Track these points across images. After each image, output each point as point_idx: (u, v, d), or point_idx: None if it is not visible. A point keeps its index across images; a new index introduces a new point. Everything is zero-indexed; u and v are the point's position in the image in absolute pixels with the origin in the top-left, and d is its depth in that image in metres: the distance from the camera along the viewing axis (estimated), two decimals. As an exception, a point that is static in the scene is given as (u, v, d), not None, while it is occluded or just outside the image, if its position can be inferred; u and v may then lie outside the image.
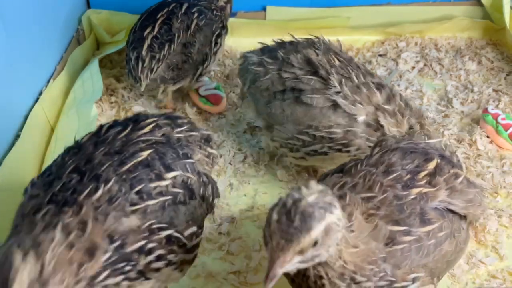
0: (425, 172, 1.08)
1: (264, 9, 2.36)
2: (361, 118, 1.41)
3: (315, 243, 0.85)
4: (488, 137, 1.82)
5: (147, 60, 1.75)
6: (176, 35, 1.80)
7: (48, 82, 1.89)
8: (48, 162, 1.66)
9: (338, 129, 1.42)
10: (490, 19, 2.36)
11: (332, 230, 0.87)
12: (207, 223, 1.52)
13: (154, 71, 1.76)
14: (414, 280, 1.02)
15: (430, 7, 2.39)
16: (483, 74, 2.15)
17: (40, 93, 1.81)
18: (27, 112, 1.69)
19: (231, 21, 2.36)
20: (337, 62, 1.49)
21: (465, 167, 1.69)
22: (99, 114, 1.91)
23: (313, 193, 0.87)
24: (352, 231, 0.96)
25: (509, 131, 1.76)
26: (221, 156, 1.76)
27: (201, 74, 1.91)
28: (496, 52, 2.27)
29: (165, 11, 1.86)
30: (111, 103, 2.00)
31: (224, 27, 2.00)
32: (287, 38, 1.67)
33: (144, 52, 1.75)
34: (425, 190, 1.05)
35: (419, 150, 1.15)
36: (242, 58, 1.72)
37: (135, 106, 1.97)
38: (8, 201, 1.46)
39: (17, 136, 1.60)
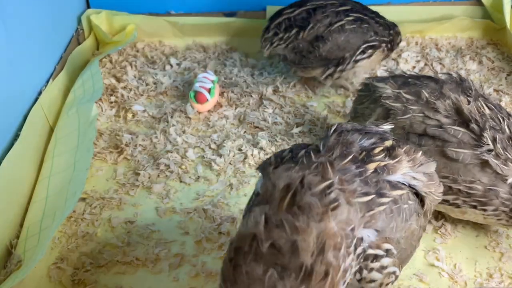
0: (381, 147, 1.05)
1: (264, 9, 2.36)
2: (511, 180, 1.29)
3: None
4: (488, 137, 1.81)
5: (271, 33, 1.97)
6: (311, 25, 1.89)
7: (48, 82, 1.89)
8: (47, 162, 1.66)
9: (480, 185, 1.30)
10: (491, 19, 2.35)
11: None
12: (207, 223, 1.52)
13: (273, 46, 1.96)
14: (387, 253, 0.98)
15: (431, 7, 2.39)
16: (484, 74, 2.15)
17: (40, 93, 1.80)
18: (26, 112, 1.69)
19: (229, 20, 2.37)
20: (487, 111, 1.35)
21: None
22: (99, 114, 1.91)
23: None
24: None
25: (509, 131, 1.75)
26: (221, 156, 1.76)
27: (332, 75, 1.94)
28: (496, 52, 2.27)
29: (319, 2, 1.95)
30: (111, 103, 2.00)
31: (387, 46, 1.98)
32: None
33: (272, 25, 1.97)
34: (383, 163, 1.01)
35: (373, 131, 1.11)
36: (365, 85, 1.59)
37: (135, 106, 1.97)
38: (7, 200, 1.47)
39: (17, 136, 1.60)
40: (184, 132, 1.86)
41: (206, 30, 2.35)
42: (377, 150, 1.04)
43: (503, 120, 1.34)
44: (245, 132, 1.87)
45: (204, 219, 1.53)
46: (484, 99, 1.40)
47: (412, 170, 1.05)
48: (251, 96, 2.03)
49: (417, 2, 2.40)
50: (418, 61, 2.22)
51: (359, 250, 0.94)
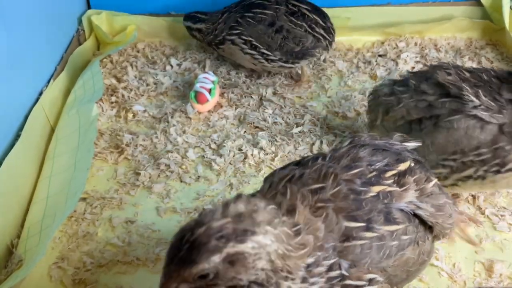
0: (394, 172, 1.01)
1: (264, 10, 2.36)
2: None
3: (204, 276, 0.79)
4: (487, 137, 1.81)
5: None
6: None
7: (49, 82, 1.89)
8: (48, 162, 1.67)
9: (485, 148, 1.29)
10: (490, 20, 2.36)
11: (245, 259, 0.79)
12: (207, 223, 1.53)
13: None
14: (370, 282, 0.94)
15: (430, 8, 2.39)
16: (483, 74, 2.15)
17: (41, 93, 1.81)
18: (27, 112, 1.69)
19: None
20: (467, 75, 1.37)
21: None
22: (100, 114, 1.92)
23: (225, 216, 0.80)
24: (298, 234, 0.87)
25: (508, 131, 1.76)
26: (221, 156, 1.76)
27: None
28: (495, 53, 2.27)
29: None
30: (112, 103, 2.00)
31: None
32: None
33: None
34: (389, 189, 0.98)
35: (392, 150, 1.08)
36: (372, 94, 1.63)
37: (135, 106, 1.97)
38: (8, 200, 1.47)
39: (18, 136, 1.60)
40: (184, 132, 1.87)
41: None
42: (388, 174, 1.01)
43: (484, 73, 1.37)
44: (245, 132, 1.87)
45: (204, 219, 1.54)
46: (465, 68, 1.43)
47: (418, 199, 1.02)
48: (251, 97, 2.04)
49: (417, 3, 2.40)
50: (417, 62, 2.22)
51: (333, 273, 0.91)
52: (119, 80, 2.11)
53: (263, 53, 2.00)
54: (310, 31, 2.01)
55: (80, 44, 2.20)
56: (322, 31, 2.03)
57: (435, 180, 1.08)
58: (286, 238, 0.84)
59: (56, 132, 1.78)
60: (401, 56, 2.24)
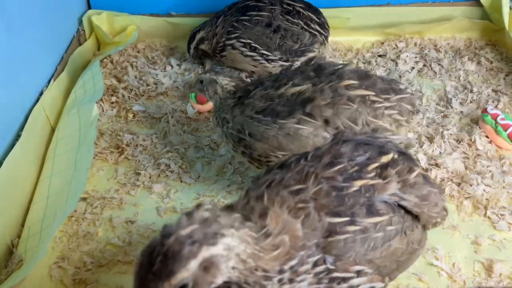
0: (376, 165, 1.02)
1: (264, 10, 2.36)
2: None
3: (184, 286, 0.77)
4: (487, 137, 1.82)
5: None
6: None
7: (49, 82, 1.89)
8: (48, 162, 1.67)
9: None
10: (489, 20, 2.36)
11: (219, 262, 0.80)
12: (207, 223, 1.53)
13: None
14: (359, 274, 0.97)
15: (429, 8, 2.39)
16: (482, 75, 2.16)
17: (41, 93, 1.81)
18: (27, 112, 1.69)
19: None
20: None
21: (465, 166, 1.70)
22: (100, 114, 1.92)
23: (192, 223, 0.80)
24: (268, 236, 0.89)
25: (508, 131, 1.76)
26: (221, 156, 1.76)
27: None
28: (495, 53, 2.28)
29: None
30: (112, 103, 2.01)
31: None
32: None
33: None
34: (371, 182, 0.99)
35: (374, 143, 1.09)
36: None
37: (135, 106, 1.97)
38: (9, 200, 1.47)
39: (18, 136, 1.60)
40: (184, 132, 1.87)
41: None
42: (370, 168, 1.02)
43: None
44: (245, 132, 1.87)
45: (204, 219, 1.54)
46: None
47: (401, 191, 1.03)
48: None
49: (416, 3, 2.40)
50: (417, 62, 2.22)
51: (319, 268, 0.93)
52: (119, 80, 2.11)
53: (263, 54, 2.00)
54: (307, 28, 2.03)
55: (80, 44, 2.20)
56: (317, 27, 2.05)
57: (418, 170, 1.09)
58: (252, 240, 0.85)
59: (57, 132, 1.78)
60: (400, 56, 2.24)
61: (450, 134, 1.83)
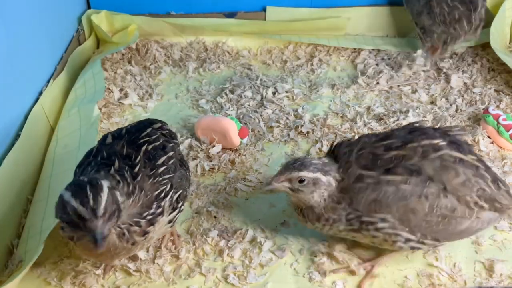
0: (415, 144, 1.28)
1: (264, 10, 2.37)
2: None
3: (301, 180, 1.27)
4: (489, 137, 1.81)
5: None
6: None
7: (49, 82, 1.89)
8: (48, 162, 1.67)
9: None
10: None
11: (319, 184, 1.27)
12: (207, 224, 1.53)
13: None
14: (381, 220, 1.25)
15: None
16: (485, 75, 2.15)
17: (41, 93, 1.81)
18: (27, 112, 1.69)
19: (229, 21, 2.37)
20: None
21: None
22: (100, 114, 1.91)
23: (319, 159, 1.32)
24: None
25: (510, 132, 1.76)
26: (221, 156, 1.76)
27: None
28: (495, 53, 2.27)
29: None
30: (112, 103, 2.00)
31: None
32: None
33: None
34: (403, 153, 1.27)
35: (429, 132, 1.33)
36: None
37: (135, 106, 1.97)
38: (8, 200, 1.47)
39: (18, 136, 1.60)
40: (184, 132, 1.87)
41: (206, 30, 2.36)
42: (410, 145, 1.29)
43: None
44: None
45: (205, 219, 1.54)
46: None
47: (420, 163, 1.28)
48: (252, 98, 2.04)
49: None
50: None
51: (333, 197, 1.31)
52: (119, 80, 2.11)
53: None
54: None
55: (80, 44, 2.20)
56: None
57: (448, 152, 1.28)
58: (336, 184, 1.30)
59: (57, 132, 1.78)
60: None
61: (452, 134, 1.82)
